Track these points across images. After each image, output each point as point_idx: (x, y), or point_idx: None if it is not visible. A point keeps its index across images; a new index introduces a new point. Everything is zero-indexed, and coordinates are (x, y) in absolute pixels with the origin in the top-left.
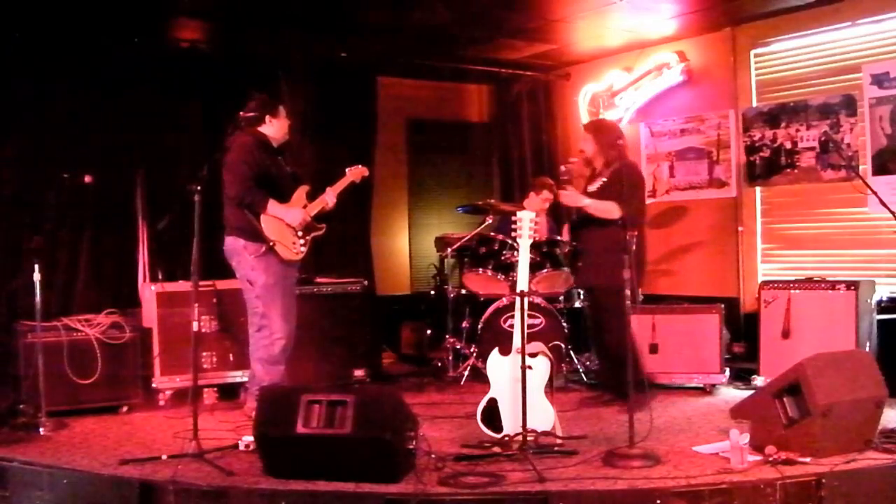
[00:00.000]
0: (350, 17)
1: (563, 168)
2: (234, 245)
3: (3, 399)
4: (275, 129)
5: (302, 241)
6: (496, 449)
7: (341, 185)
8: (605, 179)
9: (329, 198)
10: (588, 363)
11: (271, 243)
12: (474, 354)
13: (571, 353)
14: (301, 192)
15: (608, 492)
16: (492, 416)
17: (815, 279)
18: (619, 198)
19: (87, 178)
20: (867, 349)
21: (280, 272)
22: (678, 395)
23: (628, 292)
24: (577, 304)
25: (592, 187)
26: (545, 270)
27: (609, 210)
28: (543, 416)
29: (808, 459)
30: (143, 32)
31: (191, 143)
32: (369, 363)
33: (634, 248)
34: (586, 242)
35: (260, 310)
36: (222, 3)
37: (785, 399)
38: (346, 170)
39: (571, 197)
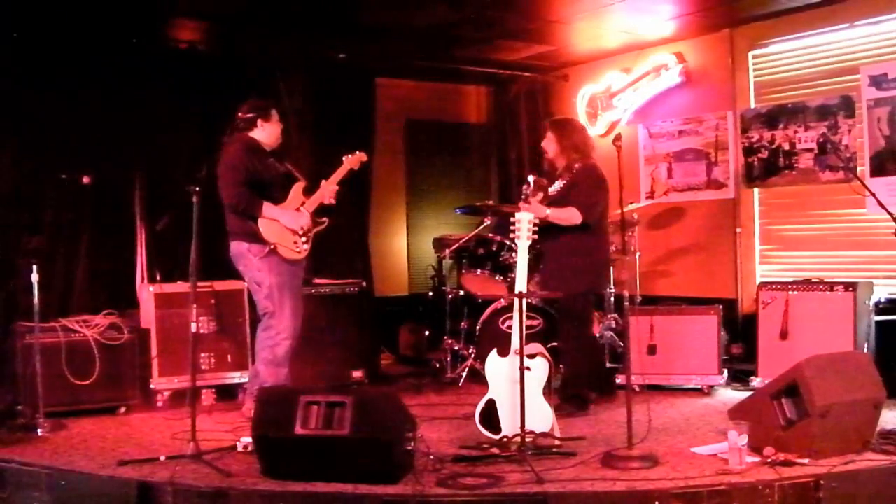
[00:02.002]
0: (349, 18)
1: (525, 185)
2: (238, 249)
3: (2, 400)
4: (266, 133)
5: (304, 239)
6: (494, 450)
7: (339, 174)
8: (564, 182)
9: (327, 190)
10: None
11: (272, 246)
12: (472, 355)
13: None
14: (297, 189)
15: (606, 493)
16: (490, 417)
17: (814, 280)
18: (578, 201)
19: (86, 179)
20: (865, 350)
21: (286, 271)
22: (676, 396)
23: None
24: None
25: (553, 189)
26: None
27: (570, 217)
28: (542, 417)
29: (806, 461)
30: (142, 33)
31: (189, 143)
32: (368, 364)
33: (592, 251)
34: (547, 248)
35: (270, 310)
36: (221, 5)
37: (783, 400)
38: (343, 157)
39: (534, 209)
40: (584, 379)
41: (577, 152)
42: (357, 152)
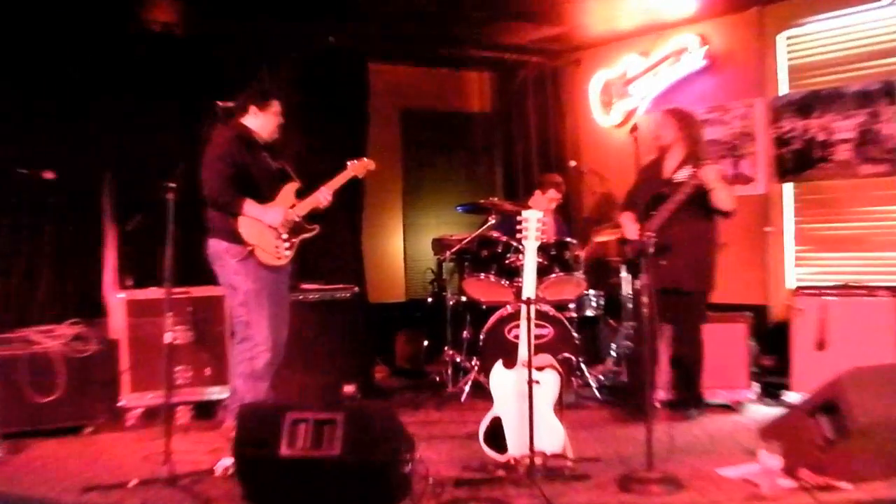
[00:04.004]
0: None
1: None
2: (216, 248)
3: None
4: (261, 122)
5: (287, 245)
6: (500, 472)
7: (340, 180)
8: (692, 171)
9: (323, 195)
10: (601, 377)
11: (249, 248)
12: (476, 368)
13: (583, 366)
14: (288, 190)
15: None
16: (496, 436)
17: (853, 285)
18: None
19: (49, 174)
20: None
21: (267, 278)
22: (701, 412)
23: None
24: (589, 313)
25: (680, 176)
26: (554, 275)
27: (731, 200)
28: (552, 436)
29: (847, 485)
30: (110, 15)
31: (164, 136)
32: (360, 377)
33: (716, 245)
34: (672, 238)
35: (244, 318)
36: None
37: (820, 417)
38: (347, 163)
39: (712, 172)
40: (700, 379)
41: (698, 144)
42: (364, 159)
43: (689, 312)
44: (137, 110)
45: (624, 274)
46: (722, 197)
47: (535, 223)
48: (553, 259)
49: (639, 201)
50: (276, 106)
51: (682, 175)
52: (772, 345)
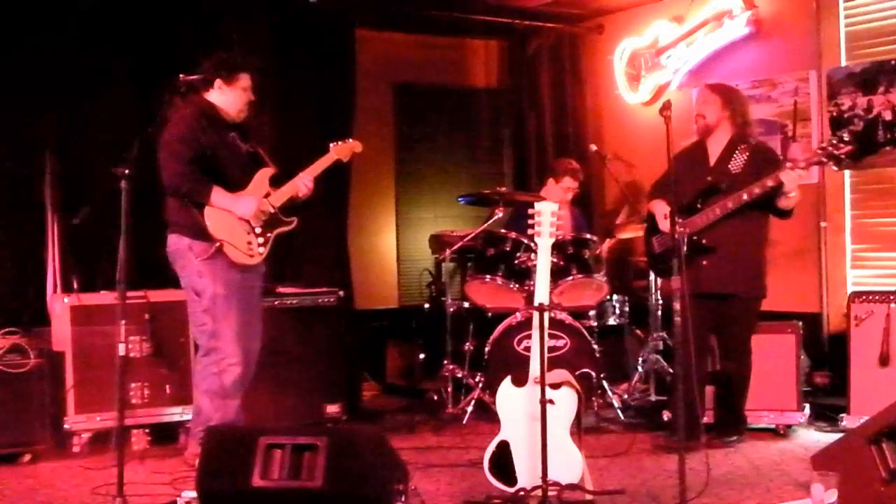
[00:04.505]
0: None
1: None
2: (177, 245)
3: None
4: (227, 98)
5: (260, 240)
6: None
7: (322, 165)
8: (746, 157)
9: (303, 183)
10: (626, 396)
11: (217, 244)
12: (480, 385)
13: (604, 383)
14: (262, 176)
15: None
16: (503, 464)
17: None
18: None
19: None
20: None
21: (236, 280)
22: (743, 437)
23: None
24: (612, 321)
25: (733, 166)
26: (571, 277)
27: (797, 200)
28: (569, 464)
29: None
30: None
31: (116, 113)
32: (346, 396)
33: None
34: (718, 236)
35: (208, 327)
36: None
37: (884, 445)
38: (331, 146)
39: (794, 179)
40: (744, 399)
41: (747, 125)
42: (350, 140)
43: (735, 322)
44: (83, 83)
45: (652, 276)
46: (792, 198)
47: (549, 217)
48: (570, 259)
49: (682, 192)
50: (245, 80)
51: (739, 165)
52: (826, 359)
